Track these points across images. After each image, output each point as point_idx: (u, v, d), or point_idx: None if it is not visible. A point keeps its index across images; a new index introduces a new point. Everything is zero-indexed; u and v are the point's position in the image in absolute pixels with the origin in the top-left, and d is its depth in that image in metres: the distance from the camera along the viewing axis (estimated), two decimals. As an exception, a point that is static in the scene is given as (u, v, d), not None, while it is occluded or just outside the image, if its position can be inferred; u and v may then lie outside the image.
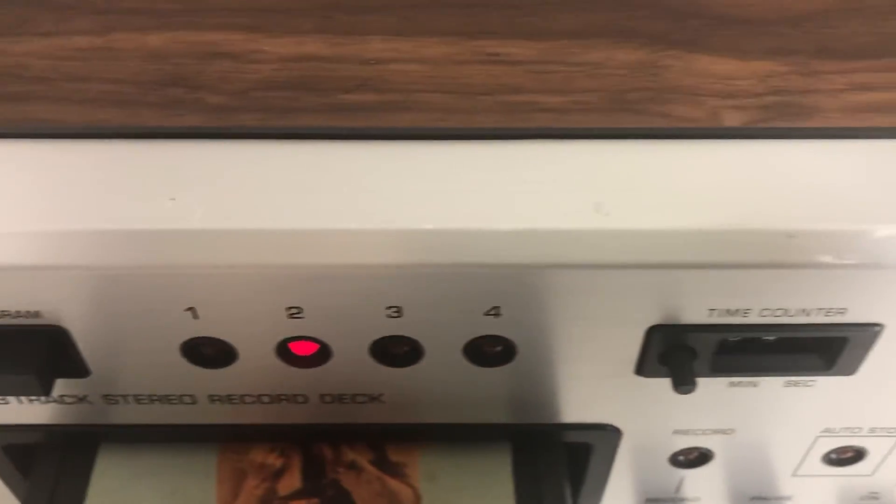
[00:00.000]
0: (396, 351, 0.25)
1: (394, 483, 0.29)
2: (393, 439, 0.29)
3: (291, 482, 0.29)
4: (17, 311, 0.23)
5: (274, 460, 0.29)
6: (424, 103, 0.25)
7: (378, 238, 0.22)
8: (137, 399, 0.27)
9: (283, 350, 0.25)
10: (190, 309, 0.23)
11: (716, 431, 0.29)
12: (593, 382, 0.26)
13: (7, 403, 0.27)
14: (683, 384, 0.24)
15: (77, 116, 0.25)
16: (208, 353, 0.25)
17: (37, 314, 0.23)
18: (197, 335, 0.24)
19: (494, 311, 0.24)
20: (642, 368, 0.25)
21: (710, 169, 0.23)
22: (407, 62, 0.26)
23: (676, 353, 0.25)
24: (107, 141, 0.24)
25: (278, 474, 0.29)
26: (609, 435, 0.28)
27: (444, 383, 0.26)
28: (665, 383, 0.26)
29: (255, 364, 0.25)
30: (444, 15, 0.28)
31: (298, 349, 0.25)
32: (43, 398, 0.26)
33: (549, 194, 0.23)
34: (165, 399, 0.27)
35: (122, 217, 0.22)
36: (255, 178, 0.23)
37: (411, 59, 0.27)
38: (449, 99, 0.25)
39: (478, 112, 0.25)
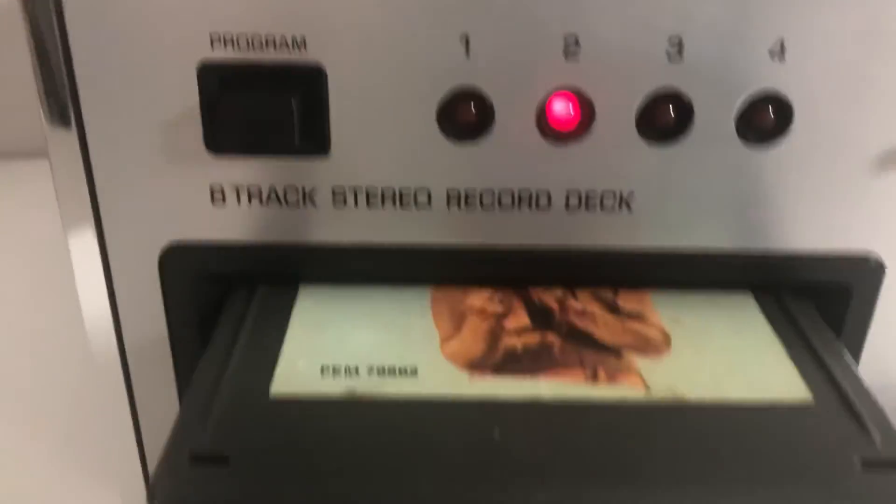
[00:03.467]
0: (665, 120, 0.23)
1: (636, 324, 0.25)
2: (623, 279, 0.26)
3: (519, 320, 0.25)
4: (284, 39, 0.22)
5: (495, 307, 0.26)
6: None
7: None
8: (369, 195, 0.24)
9: (542, 119, 0.23)
10: (464, 39, 0.22)
11: None
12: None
13: (216, 205, 0.25)
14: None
15: None
16: (464, 120, 0.23)
17: (302, 44, 0.22)
18: (464, 84, 0.23)
19: (779, 52, 0.23)
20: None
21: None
22: None
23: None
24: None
25: (502, 317, 0.26)
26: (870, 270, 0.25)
27: (705, 172, 0.24)
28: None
29: (510, 139, 0.24)
30: None
31: (559, 118, 0.23)
32: (264, 201, 0.24)
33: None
34: (398, 198, 0.24)
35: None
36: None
37: None
38: None
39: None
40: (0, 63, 0.52)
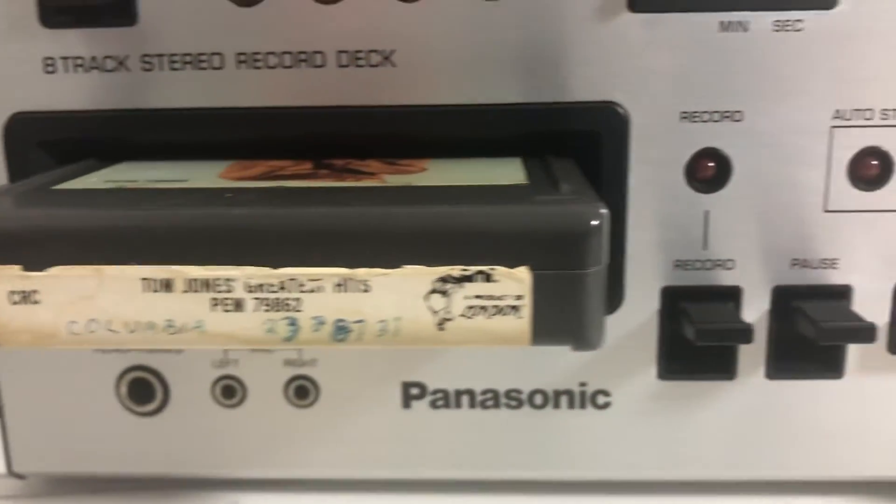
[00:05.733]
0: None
1: (404, 167, 0.28)
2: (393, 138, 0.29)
3: (301, 167, 0.29)
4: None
5: (284, 164, 0.29)
6: None
7: None
8: (171, 62, 0.29)
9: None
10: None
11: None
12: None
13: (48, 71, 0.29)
14: None
15: None
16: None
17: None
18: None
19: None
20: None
21: None
22: None
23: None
24: None
25: (288, 167, 0.29)
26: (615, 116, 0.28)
27: (454, 30, 0.28)
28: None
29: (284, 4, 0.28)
30: None
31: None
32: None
33: None
34: (197, 59, 0.29)
35: None
36: None
37: None
38: None
39: None
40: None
